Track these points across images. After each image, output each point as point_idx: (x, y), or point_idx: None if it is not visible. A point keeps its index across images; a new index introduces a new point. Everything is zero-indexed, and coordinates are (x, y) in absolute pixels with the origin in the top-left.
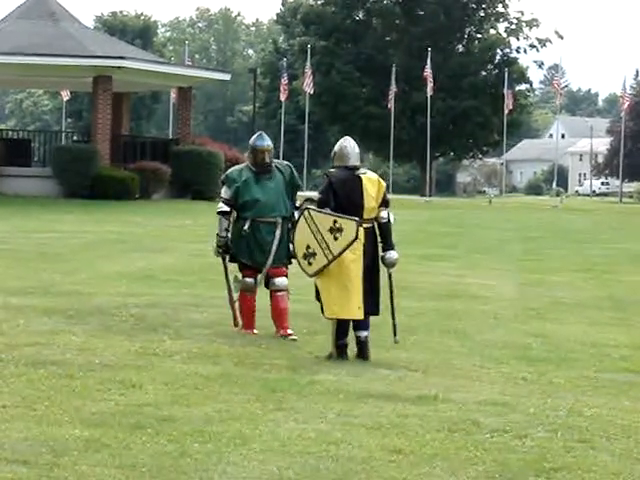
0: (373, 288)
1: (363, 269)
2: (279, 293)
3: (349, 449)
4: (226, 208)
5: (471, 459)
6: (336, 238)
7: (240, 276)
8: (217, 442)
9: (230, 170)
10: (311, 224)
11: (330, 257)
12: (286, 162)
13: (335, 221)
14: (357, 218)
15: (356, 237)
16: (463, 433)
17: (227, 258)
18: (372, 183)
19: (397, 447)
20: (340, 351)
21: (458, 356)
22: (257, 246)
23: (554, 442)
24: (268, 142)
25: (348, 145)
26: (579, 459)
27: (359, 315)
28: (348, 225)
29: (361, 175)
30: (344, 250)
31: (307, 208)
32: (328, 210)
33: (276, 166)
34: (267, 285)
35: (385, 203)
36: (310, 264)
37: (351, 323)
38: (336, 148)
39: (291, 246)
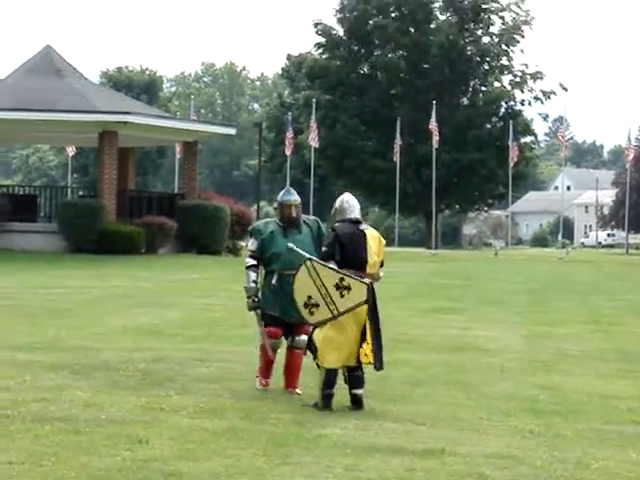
0: (376, 343)
1: (365, 323)
2: (298, 350)
3: None
4: (253, 262)
5: None
6: (342, 295)
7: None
8: None
9: (256, 222)
10: (314, 276)
11: (335, 312)
12: (314, 217)
13: (342, 279)
14: (368, 280)
15: (367, 300)
16: None
17: (259, 311)
18: (374, 239)
19: None
20: (327, 401)
21: (465, 409)
22: (287, 299)
23: None
24: (295, 197)
25: (350, 199)
26: None
27: (352, 362)
28: (357, 286)
29: (365, 230)
30: (351, 310)
31: (310, 259)
32: (333, 264)
33: (304, 221)
34: (287, 340)
35: (381, 263)
36: (312, 314)
37: (347, 380)
38: (337, 204)
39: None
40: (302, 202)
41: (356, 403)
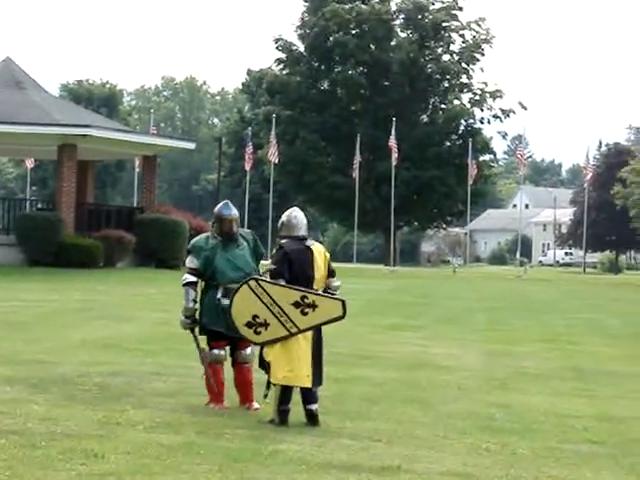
0: (319, 360)
1: (312, 341)
2: (246, 365)
3: None
4: (193, 279)
5: None
6: (305, 313)
7: (207, 348)
8: None
9: (196, 239)
10: (262, 295)
11: (294, 330)
12: (248, 230)
13: (305, 297)
14: (343, 298)
15: (343, 316)
16: None
17: (196, 330)
18: (320, 254)
19: None
20: (283, 417)
21: (421, 426)
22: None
23: None
24: (234, 211)
25: (298, 215)
26: None
27: (308, 383)
28: (327, 303)
29: (311, 246)
30: (316, 326)
31: (254, 278)
32: (282, 282)
33: (240, 234)
34: (232, 355)
35: (331, 273)
36: (258, 333)
37: (301, 396)
38: (284, 218)
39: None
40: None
41: (311, 419)
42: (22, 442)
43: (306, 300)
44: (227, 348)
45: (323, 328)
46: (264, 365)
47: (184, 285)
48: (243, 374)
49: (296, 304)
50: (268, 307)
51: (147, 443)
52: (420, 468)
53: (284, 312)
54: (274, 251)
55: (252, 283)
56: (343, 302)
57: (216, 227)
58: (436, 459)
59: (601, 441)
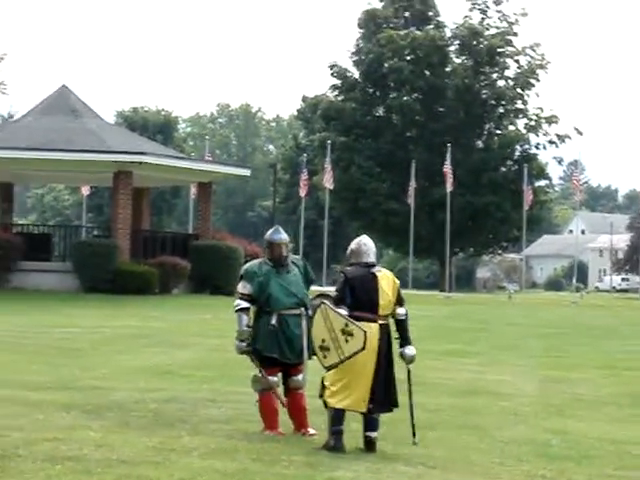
0: (389, 384)
1: (377, 365)
2: (299, 391)
3: None
4: (245, 304)
5: None
6: (347, 341)
7: (260, 375)
8: None
9: (248, 264)
10: (326, 320)
11: (342, 357)
12: (298, 256)
13: (347, 324)
14: (365, 329)
15: (363, 348)
16: None
17: (252, 355)
18: (387, 280)
19: None
20: (336, 438)
21: (477, 453)
22: (286, 341)
23: None
24: (284, 235)
25: (367, 242)
26: None
27: (363, 408)
28: (357, 333)
29: (376, 272)
30: (352, 356)
31: (323, 303)
32: (342, 309)
33: (292, 261)
34: (285, 383)
35: (400, 301)
36: (325, 357)
37: (362, 422)
38: (353, 246)
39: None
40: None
41: (369, 446)
42: (78, 468)
43: (347, 328)
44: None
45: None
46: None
47: (237, 311)
48: (296, 400)
49: (342, 331)
50: (329, 332)
51: (202, 469)
52: None
53: (337, 338)
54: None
55: (322, 307)
56: (364, 333)
57: (267, 252)
58: None
59: None
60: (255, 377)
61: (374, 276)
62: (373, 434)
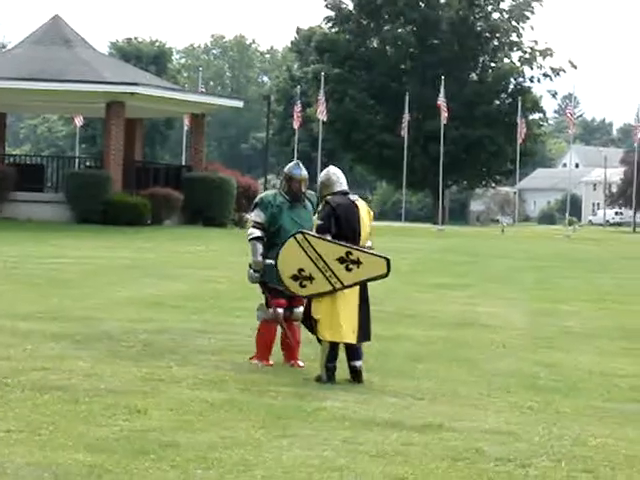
0: (366, 317)
1: (360, 297)
2: (296, 322)
3: (352, 476)
4: (259, 233)
5: None
6: (349, 269)
7: (265, 306)
8: (220, 468)
9: (264, 194)
10: (308, 249)
11: (338, 285)
12: (313, 192)
13: (349, 252)
14: (387, 256)
15: (387, 274)
16: (467, 462)
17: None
18: (364, 210)
19: (400, 475)
20: (330, 374)
21: (465, 385)
22: None
23: (558, 471)
24: (304, 172)
25: (336, 172)
26: None
27: (353, 339)
28: (373, 261)
29: (356, 201)
30: (360, 283)
31: (301, 232)
32: (328, 237)
33: (305, 195)
34: (285, 312)
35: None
36: (303, 286)
37: (345, 352)
38: (322, 177)
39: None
40: (310, 176)
41: (355, 375)
42: (66, 398)
43: (351, 256)
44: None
45: (369, 285)
46: (308, 323)
47: (251, 240)
48: (293, 332)
49: (341, 260)
50: (314, 261)
51: (190, 400)
52: (462, 426)
53: (329, 267)
54: (319, 207)
55: (299, 237)
56: (388, 260)
57: (285, 186)
58: (479, 417)
59: None
60: (261, 305)
61: (355, 205)
62: (359, 363)
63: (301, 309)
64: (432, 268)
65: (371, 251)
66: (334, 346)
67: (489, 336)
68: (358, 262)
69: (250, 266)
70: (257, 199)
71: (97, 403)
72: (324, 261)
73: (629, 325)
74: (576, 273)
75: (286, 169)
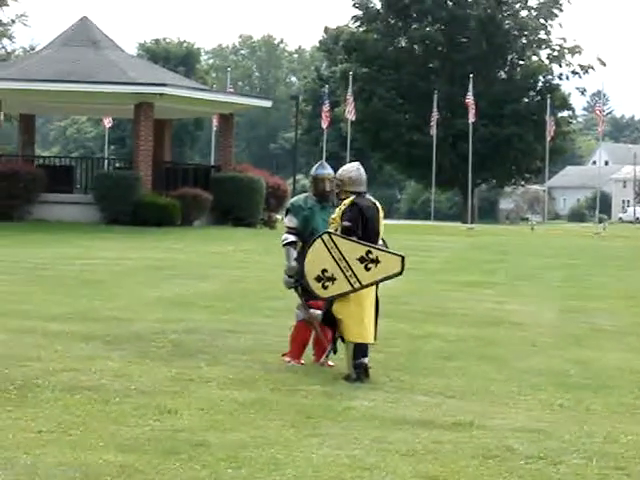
0: (377, 317)
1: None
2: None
3: (383, 475)
4: (293, 238)
5: None
6: (368, 269)
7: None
8: (251, 468)
9: (295, 198)
10: (333, 249)
11: (357, 285)
12: None
13: (369, 252)
14: (402, 253)
15: (401, 272)
16: (498, 460)
17: (299, 289)
18: (379, 211)
19: (431, 474)
20: (359, 372)
21: (495, 382)
22: None
23: (589, 469)
24: (329, 170)
25: (363, 171)
26: None
27: (372, 339)
28: (389, 259)
29: (376, 203)
30: (377, 282)
31: (327, 232)
32: (354, 239)
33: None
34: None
35: None
36: (325, 288)
37: (353, 350)
38: (352, 174)
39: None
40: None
41: (365, 372)
42: (96, 398)
43: (370, 255)
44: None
45: (393, 284)
46: (329, 322)
47: (285, 245)
48: (325, 332)
49: (361, 259)
50: (337, 262)
51: (220, 399)
52: (493, 424)
53: (350, 267)
54: (343, 207)
55: (325, 237)
56: (402, 258)
57: (312, 187)
58: (509, 415)
59: None
60: (300, 305)
61: (376, 206)
62: (366, 359)
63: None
64: (461, 266)
65: (387, 249)
66: (361, 344)
67: (519, 334)
68: (377, 261)
69: (285, 272)
70: (288, 204)
71: (127, 403)
72: (346, 261)
73: None
74: (606, 271)
75: (312, 170)
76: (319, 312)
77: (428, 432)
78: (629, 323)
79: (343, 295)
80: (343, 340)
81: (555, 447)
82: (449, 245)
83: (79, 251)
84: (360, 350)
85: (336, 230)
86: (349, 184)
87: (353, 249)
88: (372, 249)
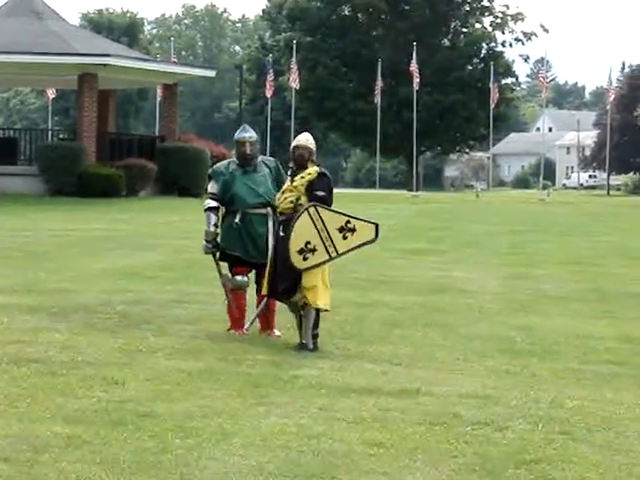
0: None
1: None
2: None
3: (330, 443)
4: (214, 203)
5: (452, 452)
6: (345, 237)
7: (230, 275)
8: (198, 437)
9: (217, 165)
10: (317, 221)
11: (334, 254)
12: (272, 157)
13: (348, 221)
14: (375, 220)
15: (375, 239)
16: (444, 426)
17: (217, 255)
18: None
19: (378, 441)
20: (315, 341)
21: (442, 349)
22: (250, 239)
23: (535, 434)
24: (250, 134)
25: None
26: (559, 451)
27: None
28: (363, 227)
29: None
30: (351, 250)
31: (314, 205)
32: (335, 209)
33: (262, 160)
34: (257, 282)
35: None
36: (305, 259)
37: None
38: (312, 145)
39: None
40: (284, 143)
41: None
42: (43, 370)
43: (349, 225)
44: (250, 275)
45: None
46: (287, 293)
47: (205, 210)
48: (268, 301)
49: (340, 229)
50: (319, 232)
51: (167, 370)
52: (439, 391)
53: (330, 237)
54: (307, 177)
55: (312, 210)
56: (376, 225)
57: (235, 151)
58: (455, 381)
59: (622, 362)
60: (225, 275)
61: None
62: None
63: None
64: (407, 234)
65: (361, 218)
66: (318, 314)
67: (465, 301)
68: (353, 229)
69: (203, 237)
70: (210, 170)
71: (74, 375)
72: (327, 231)
73: (604, 287)
74: (551, 237)
75: (235, 135)
76: (245, 278)
77: (375, 400)
78: (574, 289)
79: (319, 265)
80: (300, 309)
81: (501, 413)
82: (394, 213)
83: (24, 223)
84: (317, 320)
85: (298, 199)
86: (312, 154)
87: (334, 219)
88: (351, 219)
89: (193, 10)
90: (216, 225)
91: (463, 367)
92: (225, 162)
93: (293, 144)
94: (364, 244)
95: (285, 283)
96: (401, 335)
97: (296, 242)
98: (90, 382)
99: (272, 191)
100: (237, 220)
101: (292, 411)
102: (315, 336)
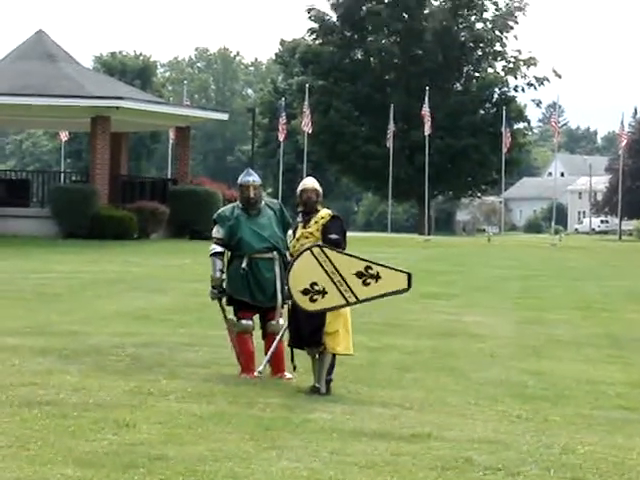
0: None
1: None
2: (277, 335)
3: None
4: (219, 249)
5: None
6: (367, 283)
7: (235, 319)
8: None
9: (222, 209)
10: (324, 262)
11: (351, 300)
12: (276, 200)
13: (369, 267)
14: (408, 270)
15: (408, 288)
16: (456, 471)
17: (224, 300)
18: None
19: None
20: (328, 386)
21: (453, 394)
22: (256, 284)
23: None
24: (254, 177)
25: None
26: None
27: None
28: (393, 275)
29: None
30: (377, 297)
31: (319, 246)
32: (352, 253)
33: (266, 204)
34: (263, 327)
35: None
36: (313, 301)
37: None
38: (319, 189)
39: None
40: (296, 188)
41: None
42: (54, 412)
43: (370, 271)
44: (255, 318)
45: None
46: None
47: (211, 255)
48: (276, 345)
49: (359, 274)
50: (329, 275)
51: (179, 413)
52: (451, 435)
53: (345, 281)
54: (321, 221)
55: (315, 250)
56: (409, 275)
57: (239, 196)
58: (467, 426)
59: (634, 407)
60: (230, 319)
61: None
62: (330, 376)
63: (280, 321)
64: (418, 278)
65: (391, 266)
66: (334, 359)
67: (476, 345)
68: (377, 277)
69: (210, 283)
70: (215, 215)
71: (85, 417)
72: (340, 275)
73: (616, 333)
74: (562, 281)
75: (238, 179)
76: (250, 322)
77: (386, 444)
78: (585, 334)
79: (334, 309)
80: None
81: (513, 458)
82: (406, 256)
83: (36, 265)
84: (333, 365)
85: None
86: (319, 197)
87: (349, 263)
88: (372, 265)
89: (206, 53)
90: (222, 271)
91: (475, 412)
92: (229, 206)
93: (300, 188)
94: (394, 293)
95: (308, 329)
96: (413, 379)
97: (298, 281)
98: (101, 425)
99: (278, 234)
100: (244, 265)
101: (303, 455)
102: (329, 381)
